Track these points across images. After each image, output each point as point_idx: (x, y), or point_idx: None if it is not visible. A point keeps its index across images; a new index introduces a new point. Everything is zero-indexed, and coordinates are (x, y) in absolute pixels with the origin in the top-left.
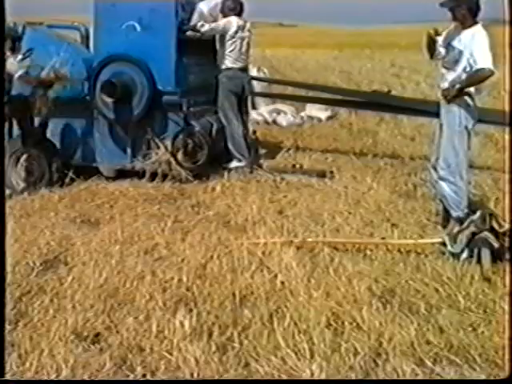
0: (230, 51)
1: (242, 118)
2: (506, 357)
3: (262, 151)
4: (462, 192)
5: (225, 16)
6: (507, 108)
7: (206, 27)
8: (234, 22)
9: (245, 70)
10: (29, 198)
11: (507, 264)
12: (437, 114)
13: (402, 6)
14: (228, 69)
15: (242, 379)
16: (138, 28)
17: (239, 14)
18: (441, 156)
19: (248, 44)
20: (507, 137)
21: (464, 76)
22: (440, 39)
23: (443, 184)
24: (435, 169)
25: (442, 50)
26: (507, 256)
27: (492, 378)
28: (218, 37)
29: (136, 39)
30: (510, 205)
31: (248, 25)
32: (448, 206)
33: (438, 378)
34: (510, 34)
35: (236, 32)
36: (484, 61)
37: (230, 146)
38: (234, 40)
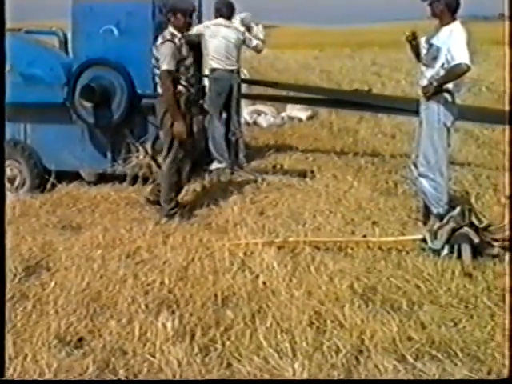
0: (214, 51)
1: (228, 120)
2: (506, 357)
3: (243, 152)
4: (441, 188)
5: (215, 18)
6: (506, 108)
7: None
8: (213, 22)
9: (233, 71)
10: (10, 204)
11: (489, 260)
12: (417, 112)
13: (381, 5)
14: (213, 70)
15: (232, 379)
16: (116, 32)
17: (228, 15)
18: (420, 153)
19: (237, 46)
20: (487, 132)
21: (442, 72)
22: (422, 40)
23: (423, 180)
24: (415, 166)
25: (425, 50)
26: (491, 251)
27: (474, 372)
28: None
29: (114, 43)
30: (509, 210)
31: (237, 26)
32: (428, 203)
33: (420, 373)
34: (510, 32)
35: (215, 32)
36: (461, 56)
37: (211, 147)
38: (216, 40)
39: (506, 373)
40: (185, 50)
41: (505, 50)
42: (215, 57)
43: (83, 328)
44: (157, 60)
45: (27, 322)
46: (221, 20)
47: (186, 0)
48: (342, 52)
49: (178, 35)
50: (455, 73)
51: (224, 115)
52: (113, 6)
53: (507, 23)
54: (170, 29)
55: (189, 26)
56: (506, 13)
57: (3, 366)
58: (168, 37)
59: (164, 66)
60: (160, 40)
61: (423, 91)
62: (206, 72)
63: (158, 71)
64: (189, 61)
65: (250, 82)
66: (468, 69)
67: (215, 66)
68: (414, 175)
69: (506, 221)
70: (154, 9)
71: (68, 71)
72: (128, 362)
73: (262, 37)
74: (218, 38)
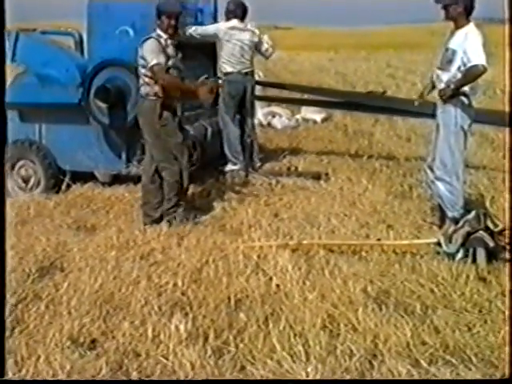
0: (228, 55)
1: (242, 122)
2: (506, 357)
3: (257, 154)
4: (457, 192)
5: (227, 19)
6: (506, 108)
7: (191, 30)
8: (229, 25)
9: (247, 73)
10: (24, 205)
11: (504, 264)
12: (433, 115)
13: (395, 7)
14: (227, 73)
15: (240, 379)
16: (131, 33)
17: (242, 17)
18: (437, 156)
19: (251, 48)
20: (502, 136)
21: (459, 75)
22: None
23: (439, 184)
24: (431, 169)
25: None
26: (505, 256)
27: (488, 377)
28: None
29: (129, 44)
30: (509, 205)
31: (252, 28)
32: (444, 206)
33: (434, 378)
34: (510, 34)
35: (231, 35)
36: (477, 58)
37: (226, 149)
38: (231, 43)
39: (507, 373)
40: (171, 51)
41: None
42: (229, 60)
43: (96, 329)
44: (143, 59)
45: (40, 322)
46: (235, 22)
47: (172, 2)
48: (356, 54)
49: (164, 36)
50: (472, 74)
51: (238, 117)
52: (128, 7)
53: (507, 26)
54: (157, 31)
55: (175, 28)
56: (507, 15)
57: (3, 366)
58: (153, 35)
59: (153, 61)
60: (143, 38)
61: (440, 94)
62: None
63: (143, 70)
64: (173, 61)
65: (265, 84)
66: (485, 70)
67: (229, 69)
68: (430, 178)
69: None
70: None
71: (83, 72)
72: (141, 364)
73: (271, 50)
74: (233, 41)
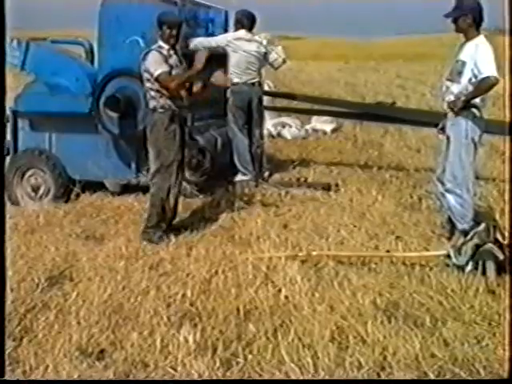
0: (234, 65)
1: (250, 132)
2: (506, 357)
3: (267, 165)
4: (467, 204)
5: (236, 30)
6: (508, 118)
7: (195, 42)
8: (235, 35)
9: (253, 84)
10: (34, 214)
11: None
12: (436, 125)
13: (406, 17)
14: (234, 84)
15: (240, 379)
16: (142, 43)
17: (250, 27)
18: (447, 168)
19: (258, 59)
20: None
21: (470, 87)
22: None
23: (449, 196)
24: (441, 181)
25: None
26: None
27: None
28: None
29: (140, 54)
30: (509, 215)
31: (259, 38)
32: (454, 219)
33: None
34: (510, 45)
35: (237, 46)
36: (488, 69)
37: (236, 160)
38: (237, 54)
39: (506, 373)
40: (174, 61)
41: None
42: (235, 71)
43: (105, 340)
44: (147, 72)
45: (49, 332)
46: (242, 33)
47: (173, 13)
48: (366, 64)
49: (166, 47)
50: (484, 86)
51: (246, 127)
52: (138, 17)
53: (507, 37)
54: (159, 42)
55: (176, 38)
56: (507, 26)
57: (3, 366)
58: (153, 47)
59: (158, 71)
60: (145, 51)
61: (450, 107)
62: None
63: (148, 84)
64: (176, 71)
65: (273, 95)
66: (497, 81)
67: (235, 79)
68: (440, 191)
69: None
70: (180, 21)
71: (93, 81)
72: (149, 375)
73: (281, 60)
74: (240, 52)
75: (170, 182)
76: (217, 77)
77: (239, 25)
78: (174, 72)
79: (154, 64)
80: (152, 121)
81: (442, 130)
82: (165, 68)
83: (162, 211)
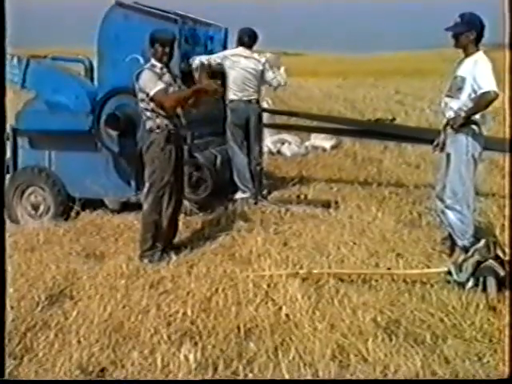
0: (231, 82)
1: (249, 150)
2: (506, 356)
3: (267, 182)
4: (468, 220)
5: (236, 47)
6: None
7: (196, 60)
8: (233, 52)
9: (250, 101)
10: (34, 232)
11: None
12: (431, 142)
13: (404, 33)
14: (231, 101)
15: (240, 379)
16: (142, 61)
17: (249, 44)
18: (448, 185)
19: (256, 76)
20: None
21: (470, 103)
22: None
23: (449, 213)
24: (440, 198)
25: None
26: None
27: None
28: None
29: None
30: (509, 231)
31: (257, 56)
32: (454, 235)
33: None
34: (511, 59)
35: (234, 63)
36: (488, 84)
37: (235, 178)
38: (234, 71)
39: (506, 373)
40: (167, 80)
41: None
42: (232, 88)
43: (105, 358)
44: (141, 91)
45: (49, 351)
46: (241, 49)
47: (166, 30)
48: (365, 80)
49: (159, 65)
50: (484, 101)
51: (245, 144)
52: (138, 34)
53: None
54: (152, 60)
55: (170, 56)
56: (507, 41)
57: (3, 366)
58: (146, 66)
59: (154, 89)
60: (138, 71)
61: (450, 123)
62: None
63: (142, 104)
64: (172, 90)
65: (274, 112)
66: (496, 96)
67: (232, 96)
68: (440, 208)
69: None
70: (180, 38)
71: (93, 99)
72: None
73: (282, 82)
74: (236, 69)
75: (162, 202)
76: (207, 85)
77: (239, 42)
78: (169, 90)
79: (149, 83)
80: (148, 141)
81: (437, 146)
82: (161, 85)
83: (155, 231)
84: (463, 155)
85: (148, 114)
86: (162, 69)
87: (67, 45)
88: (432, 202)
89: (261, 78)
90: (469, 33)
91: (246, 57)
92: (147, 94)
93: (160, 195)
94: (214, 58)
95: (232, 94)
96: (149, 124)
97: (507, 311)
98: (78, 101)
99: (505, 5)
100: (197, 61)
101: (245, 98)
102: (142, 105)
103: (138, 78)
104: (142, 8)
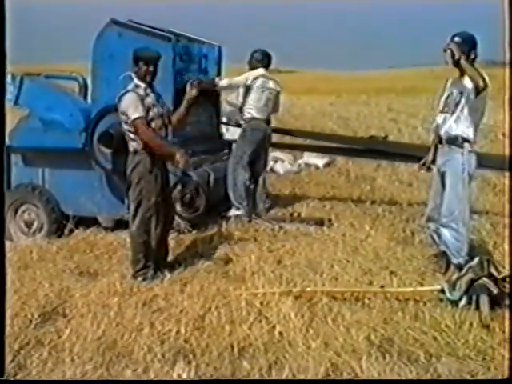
0: (255, 102)
1: (253, 167)
2: (506, 356)
3: (265, 201)
4: (463, 238)
5: (252, 68)
6: (507, 152)
7: (224, 82)
8: (259, 73)
9: (268, 121)
10: (27, 249)
11: (506, 309)
12: (419, 159)
13: (398, 50)
14: (253, 119)
15: (240, 379)
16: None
17: (266, 65)
18: (444, 203)
19: (269, 96)
20: (506, 181)
21: (468, 118)
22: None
23: (445, 231)
24: (432, 218)
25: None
26: (507, 302)
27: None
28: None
29: None
30: (509, 250)
31: (271, 77)
32: (449, 253)
33: None
34: (510, 76)
35: (262, 83)
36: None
37: (231, 194)
38: (260, 91)
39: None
40: (151, 101)
41: None
42: (256, 106)
43: (98, 377)
44: (123, 114)
45: (42, 369)
46: (262, 71)
47: (149, 48)
48: (358, 98)
49: (142, 85)
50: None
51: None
52: (132, 52)
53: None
54: (135, 80)
55: (153, 75)
56: (507, 57)
57: (3, 366)
58: (129, 88)
59: (134, 115)
60: (121, 93)
61: (449, 142)
62: (224, 120)
63: (125, 126)
64: (155, 111)
65: (274, 131)
66: (485, 86)
67: (255, 114)
68: (432, 228)
69: None
70: (174, 56)
71: (87, 117)
72: None
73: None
74: (261, 89)
75: (150, 223)
76: (181, 156)
77: (259, 64)
78: (151, 113)
79: (130, 106)
80: (134, 162)
81: (424, 165)
82: (140, 113)
83: (146, 251)
84: (460, 173)
85: (132, 135)
86: (145, 89)
87: (61, 62)
88: (424, 223)
89: (276, 98)
90: (466, 53)
91: (268, 77)
92: (129, 118)
93: (148, 216)
94: (242, 80)
95: (255, 113)
96: (133, 146)
97: (501, 328)
98: (72, 118)
99: (506, 22)
100: (224, 82)
101: (264, 117)
102: (125, 126)
103: (120, 100)
104: (136, 26)
